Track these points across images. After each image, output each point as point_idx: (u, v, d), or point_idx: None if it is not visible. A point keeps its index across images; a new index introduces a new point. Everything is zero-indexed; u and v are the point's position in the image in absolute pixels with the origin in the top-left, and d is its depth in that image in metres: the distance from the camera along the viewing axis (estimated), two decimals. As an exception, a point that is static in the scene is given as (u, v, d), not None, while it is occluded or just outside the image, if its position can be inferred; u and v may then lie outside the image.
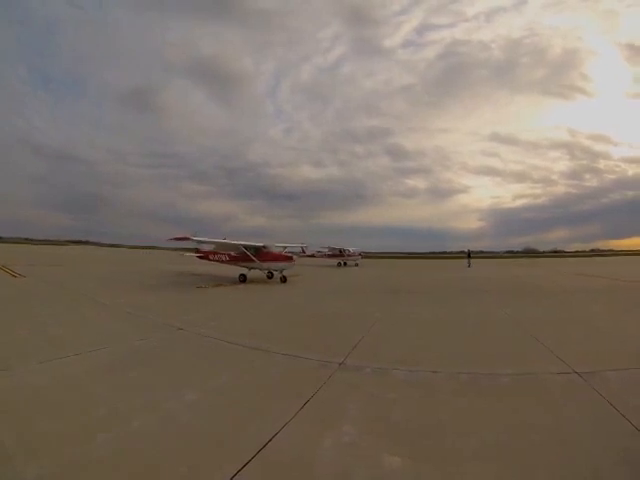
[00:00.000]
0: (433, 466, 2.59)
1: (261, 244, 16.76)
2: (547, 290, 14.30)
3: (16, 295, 10.61)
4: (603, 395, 3.71)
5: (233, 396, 3.77)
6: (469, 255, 37.02)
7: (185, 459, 2.62)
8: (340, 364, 4.85)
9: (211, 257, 18.90)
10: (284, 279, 16.59)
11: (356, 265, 34.71)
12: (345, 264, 34.49)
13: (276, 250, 17.19)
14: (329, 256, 34.68)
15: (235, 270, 17.39)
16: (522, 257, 73.68)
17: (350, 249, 35.29)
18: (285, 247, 19.62)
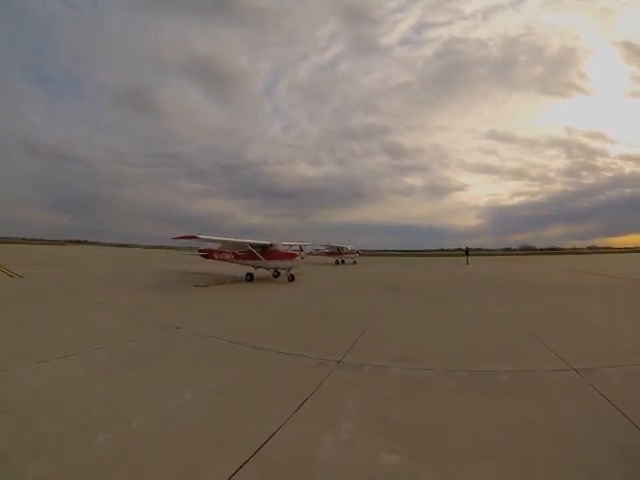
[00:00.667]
0: (432, 464, 2.60)
1: (268, 242, 16.47)
2: (544, 287, 14.36)
3: (14, 295, 10.56)
4: (601, 392, 3.73)
5: (231, 395, 3.77)
6: (467, 252, 37.18)
7: (184, 459, 2.62)
8: (338, 362, 4.86)
9: (216, 256, 18.60)
10: (292, 278, 16.29)
11: (354, 263, 34.78)
12: (343, 262, 34.55)
13: (283, 248, 16.90)
14: (327, 254, 34.72)
15: (237, 269, 17.37)
16: (519, 254, 73.90)
17: (348, 247, 35.34)
18: (291, 245, 19.41)
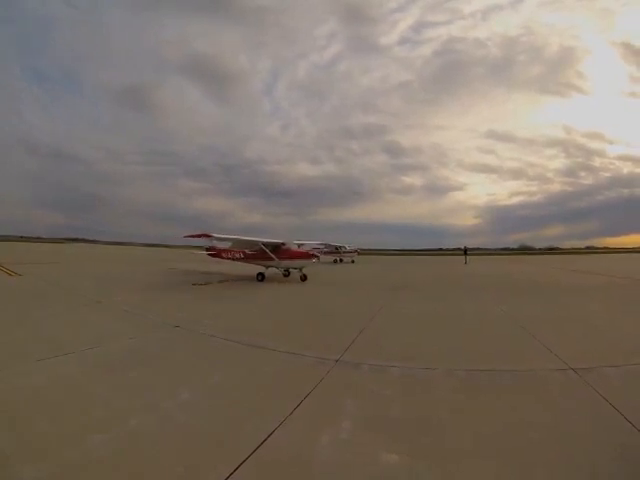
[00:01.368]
0: (432, 464, 2.59)
1: (280, 241, 16.14)
2: (543, 287, 14.39)
3: (12, 294, 10.53)
4: (599, 392, 3.73)
5: (229, 394, 3.75)
6: (465, 252, 37.25)
7: (183, 458, 2.61)
8: (337, 361, 4.85)
9: (224, 255, 18.11)
10: (304, 277, 15.86)
11: (352, 262, 34.78)
12: (341, 261, 34.56)
13: (295, 247, 16.58)
14: (325, 253, 34.74)
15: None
16: (518, 254, 74.03)
17: (346, 246, 35.33)
18: (302, 244, 19.04)
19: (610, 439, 2.83)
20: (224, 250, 18.06)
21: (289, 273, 17.34)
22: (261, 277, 15.84)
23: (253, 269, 16.73)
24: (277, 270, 16.91)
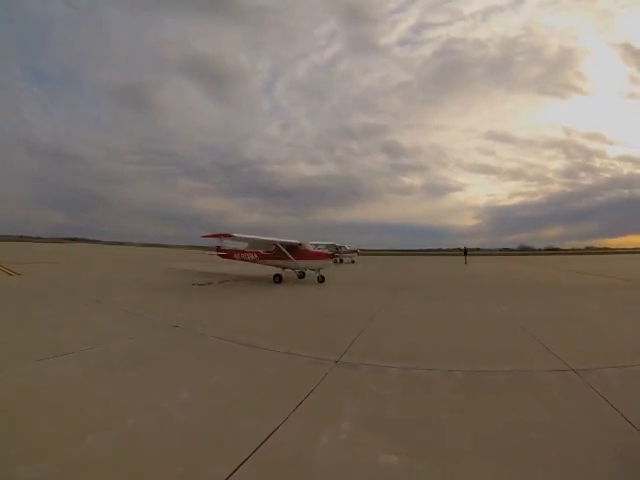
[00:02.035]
0: (431, 464, 2.59)
1: (297, 241, 15.67)
2: (543, 288, 14.39)
3: (12, 294, 10.52)
4: (599, 392, 3.73)
5: (229, 395, 3.75)
6: (465, 252, 37.26)
7: (182, 458, 2.60)
8: (336, 362, 4.85)
9: (237, 256, 17.45)
10: (322, 279, 15.47)
11: (352, 262, 34.75)
12: (341, 261, 34.52)
13: (312, 248, 16.14)
14: None
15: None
16: (517, 254, 74.02)
17: (346, 246, 35.29)
18: (317, 245, 18.59)
19: (610, 439, 2.83)
20: (236, 251, 17.56)
21: (304, 274, 17.03)
22: (278, 279, 15.30)
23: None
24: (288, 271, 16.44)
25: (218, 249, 18.54)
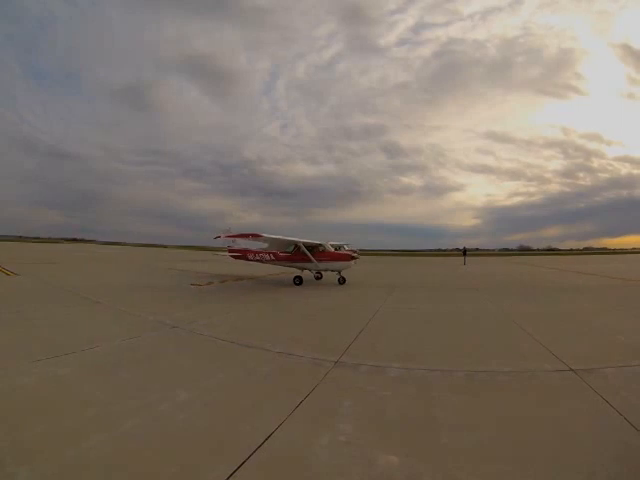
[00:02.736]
0: (430, 464, 2.57)
1: (318, 242, 15.32)
2: (543, 288, 14.38)
3: (9, 294, 10.48)
4: (598, 392, 3.73)
5: (228, 395, 3.73)
6: (465, 253, 37.23)
7: (181, 460, 2.59)
8: (336, 362, 4.83)
9: (250, 257, 16.92)
10: (343, 280, 15.14)
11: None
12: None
13: (332, 249, 15.64)
14: None
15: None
16: (517, 255, 74.07)
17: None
18: (340, 246, 17.98)
19: (610, 438, 2.82)
20: (250, 251, 17.01)
21: (321, 276, 16.75)
22: (299, 280, 14.75)
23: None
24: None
25: (230, 250, 17.87)
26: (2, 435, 2.87)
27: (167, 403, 3.47)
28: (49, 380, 4.01)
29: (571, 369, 4.47)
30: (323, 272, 16.17)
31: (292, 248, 15.28)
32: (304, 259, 14.97)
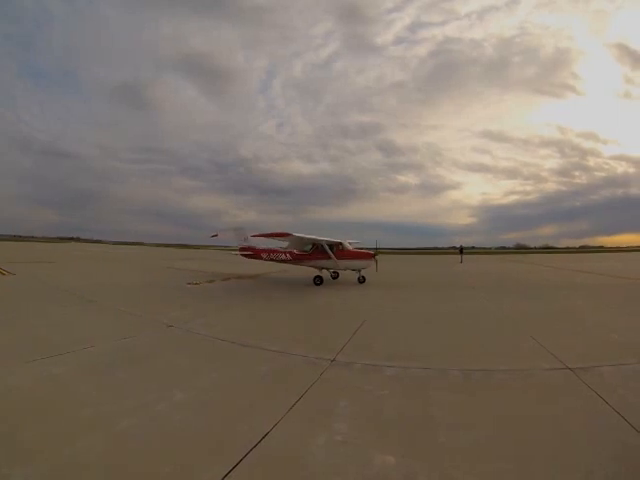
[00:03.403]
0: (427, 464, 2.57)
1: (338, 240, 14.81)
2: (539, 286, 14.41)
3: (5, 293, 10.42)
4: (595, 390, 3.74)
5: (223, 395, 3.73)
6: (461, 251, 37.12)
7: (177, 459, 2.58)
8: (332, 361, 4.83)
9: (264, 256, 16.27)
10: (363, 279, 14.78)
11: None
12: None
13: (350, 247, 15.21)
14: None
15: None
16: (513, 253, 74.32)
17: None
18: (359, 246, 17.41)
19: (608, 437, 2.84)
20: (264, 250, 16.31)
21: (338, 275, 16.42)
22: (319, 280, 14.25)
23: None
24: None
25: (241, 248, 17.15)
26: (-4, 436, 2.85)
27: (163, 403, 3.46)
28: (45, 380, 3.99)
29: (568, 367, 4.48)
30: (342, 271, 15.65)
31: (310, 247, 14.81)
32: (323, 258, 14.50)
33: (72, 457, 2.58)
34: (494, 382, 4.15)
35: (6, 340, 5.51)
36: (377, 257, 14.84)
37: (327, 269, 15.30)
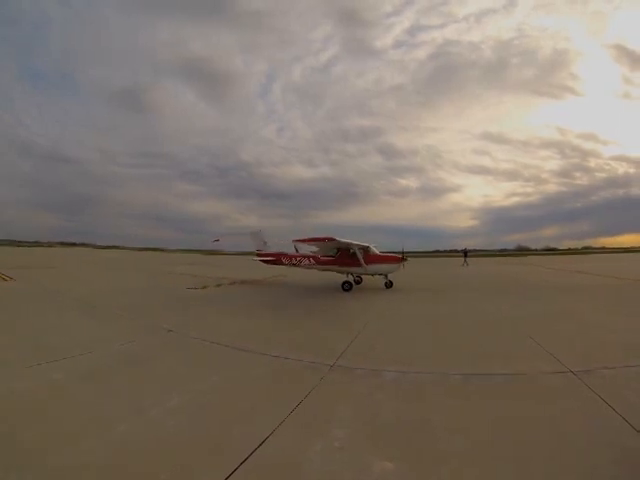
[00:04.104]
0: (425, 470, 2.55)
1: (366, 244, 14.26)
2: (541, 288, 14.33)
3: (6, 299, 10.45)
4: (597, 393, 3.72)
5: (222, 400, 3.72)
6: (465, 254, 36.48)
7: (175, 464, 2.58)
8: (331, 366, 4.81)
9: (286, 261, 15.58)
10: (390, 284, 14.27)
11: None
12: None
13: (377, 251, 14.69)
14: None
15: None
16: (515, 255, 74.03)
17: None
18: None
19: (609, 440, 2.82)
20: (285, 255, 15.68)
21: (361, 280, 15.71)
22: (348, 286, 13.65)
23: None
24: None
25: (260, 254, 16.49)
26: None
27: (162, 407, 3.46)
28: (45, 385, 3.99)
29: (568, 369, 4.46)
30: (369, 276, 15.05)
31: (336, 251, 14.29)
32: (350, 263, 13.99)
33: (71, 460, 2.59)
34: (495, 385, 4.12)
35: (6, 345, 5.53)
36: (405, 261, 14.39)
37: (353, 274, 14.73)
